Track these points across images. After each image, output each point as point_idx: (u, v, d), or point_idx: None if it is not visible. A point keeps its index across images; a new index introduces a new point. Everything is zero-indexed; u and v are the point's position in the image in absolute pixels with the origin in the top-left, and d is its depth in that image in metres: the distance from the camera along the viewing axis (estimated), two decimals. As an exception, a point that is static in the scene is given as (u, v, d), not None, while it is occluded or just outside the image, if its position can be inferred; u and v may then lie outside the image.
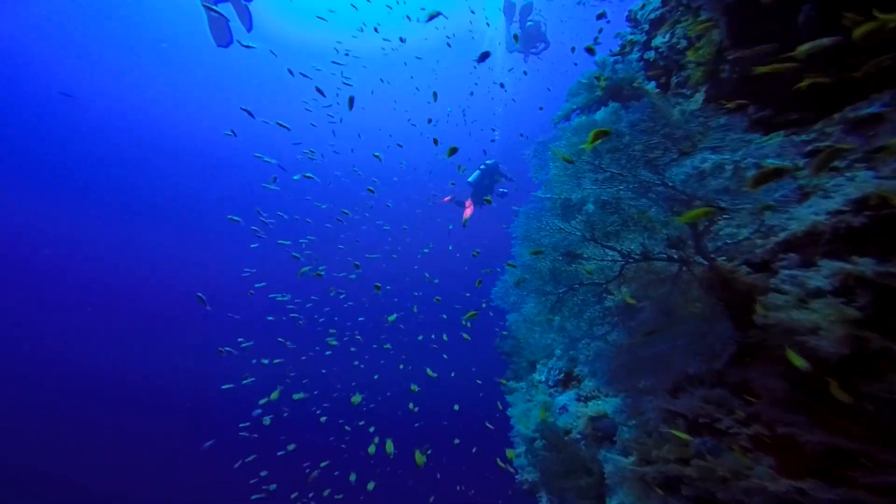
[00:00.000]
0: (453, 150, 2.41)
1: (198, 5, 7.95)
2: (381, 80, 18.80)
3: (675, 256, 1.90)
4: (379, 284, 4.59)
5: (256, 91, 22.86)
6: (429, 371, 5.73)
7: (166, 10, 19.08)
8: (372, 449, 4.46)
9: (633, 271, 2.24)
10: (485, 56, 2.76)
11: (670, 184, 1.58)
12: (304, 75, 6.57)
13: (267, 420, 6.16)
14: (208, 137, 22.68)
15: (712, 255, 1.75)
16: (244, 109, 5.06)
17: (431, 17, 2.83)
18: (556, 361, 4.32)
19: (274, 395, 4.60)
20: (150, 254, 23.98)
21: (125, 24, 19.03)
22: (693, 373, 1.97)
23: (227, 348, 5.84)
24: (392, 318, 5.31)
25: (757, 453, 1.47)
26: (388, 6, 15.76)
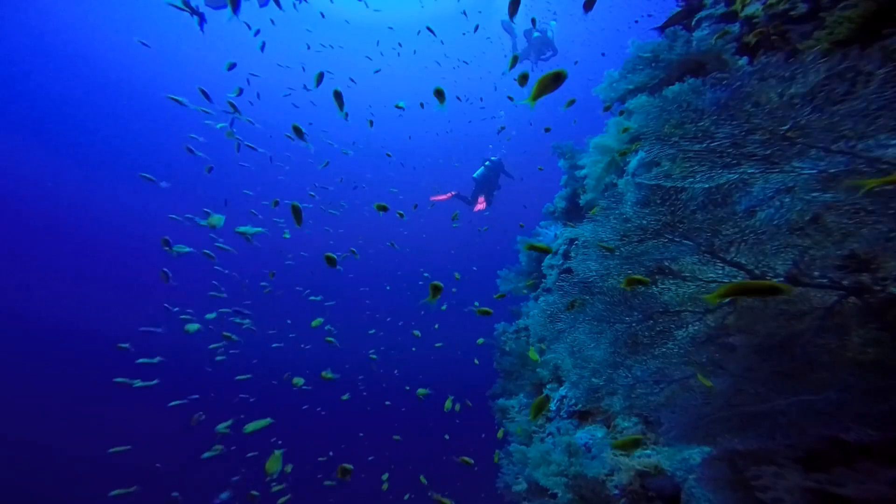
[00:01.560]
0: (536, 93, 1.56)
1: None
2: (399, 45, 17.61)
3: (846, 283, 1.33)
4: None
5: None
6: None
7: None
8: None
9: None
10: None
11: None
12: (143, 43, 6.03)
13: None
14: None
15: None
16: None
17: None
18: (572, 389, 3.74)
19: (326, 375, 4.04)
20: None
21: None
22: (854, 440, 1.42)
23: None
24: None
25: None
26: None
